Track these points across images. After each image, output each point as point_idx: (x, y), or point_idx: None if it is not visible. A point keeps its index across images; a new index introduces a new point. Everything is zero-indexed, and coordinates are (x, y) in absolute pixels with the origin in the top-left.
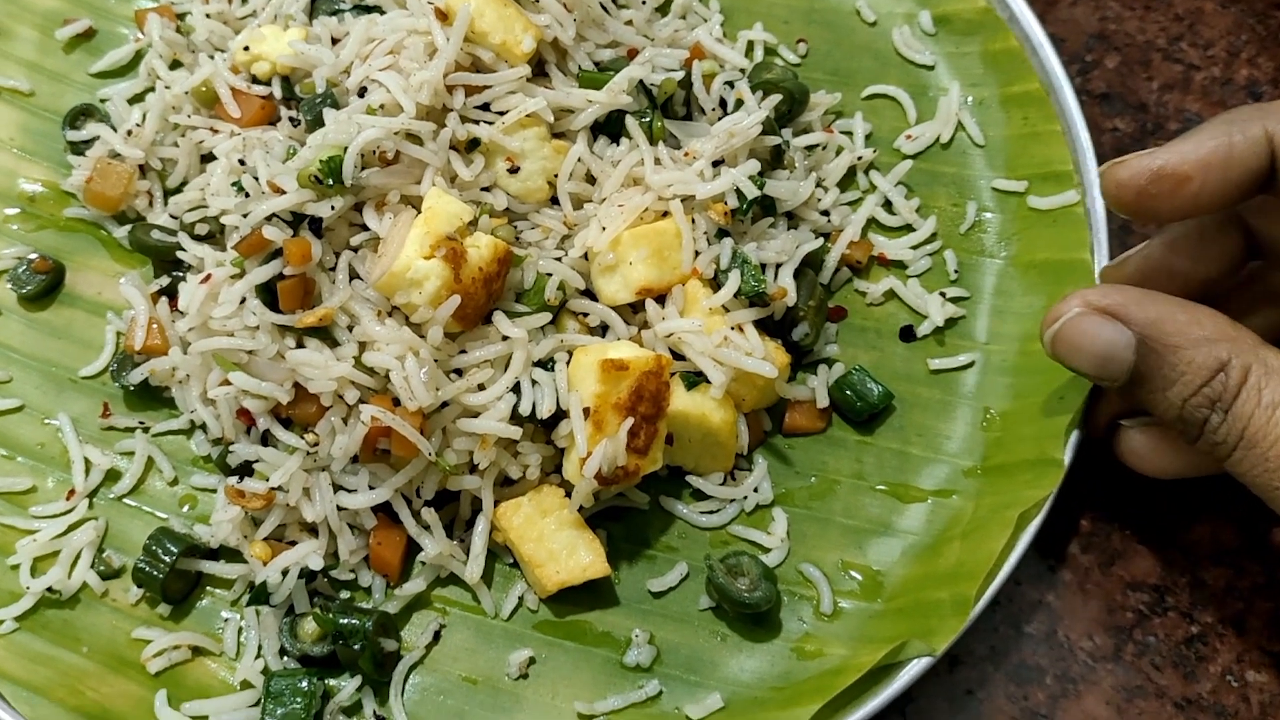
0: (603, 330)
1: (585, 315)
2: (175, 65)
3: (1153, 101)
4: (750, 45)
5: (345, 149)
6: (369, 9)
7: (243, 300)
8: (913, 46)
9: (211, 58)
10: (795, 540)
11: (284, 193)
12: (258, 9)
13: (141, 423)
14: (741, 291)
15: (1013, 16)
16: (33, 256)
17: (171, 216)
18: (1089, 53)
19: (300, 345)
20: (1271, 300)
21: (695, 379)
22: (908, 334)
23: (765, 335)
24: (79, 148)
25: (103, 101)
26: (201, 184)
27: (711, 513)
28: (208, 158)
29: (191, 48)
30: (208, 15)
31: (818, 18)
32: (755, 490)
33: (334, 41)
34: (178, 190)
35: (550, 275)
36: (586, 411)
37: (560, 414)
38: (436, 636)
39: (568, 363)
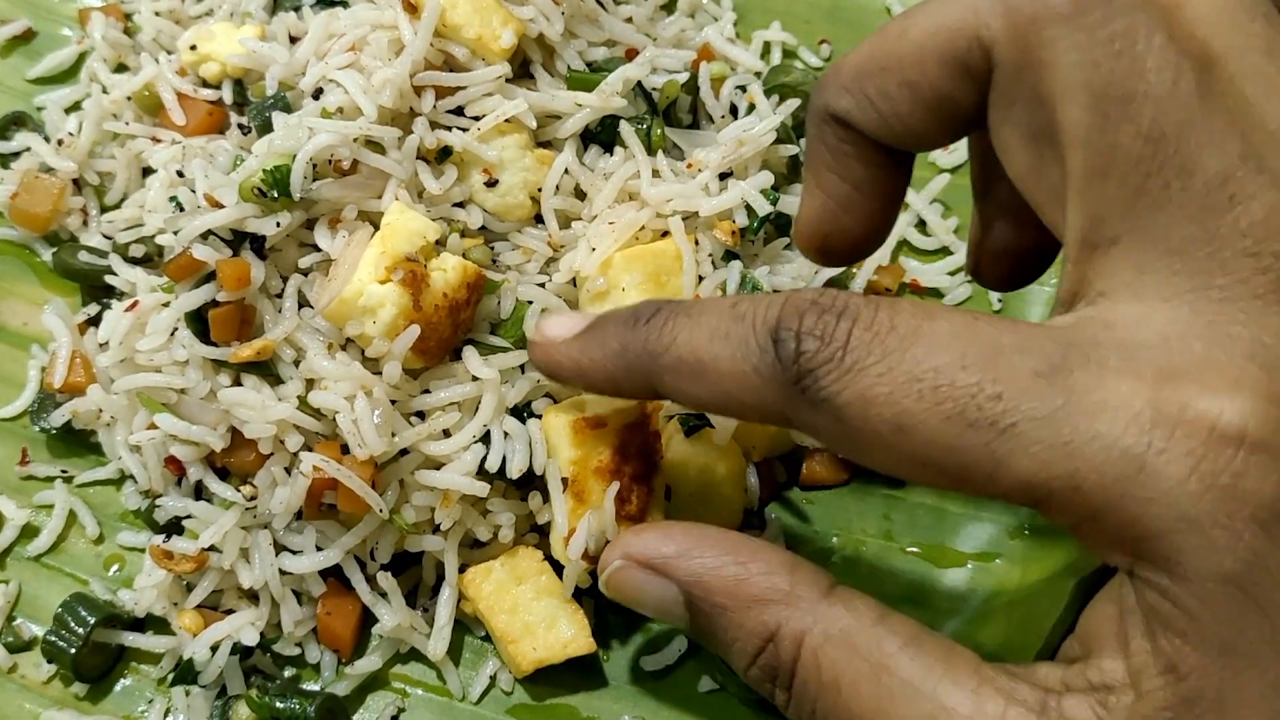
0: None
1: None
2: (121, 69)
3: None
4: (766, 46)
5: (294, 157)
6: (333, 3)
7: (173, 332)
8: None
9: (157, 60)
10: None
11: (222, 207)
12: (214, 7)
13: (64, 471)
14: None
15: None
16: None
17: (105, 236)
18: None
19: (237, 383)
20: (1004, 213)
21: (696, 423)
22: None
23: None
24: (7, 161)
25: (39, 110)
26: (140, 200)
27: None
28: (150, 171)
29: (138, 50)
30: (156, 13)
31: (843, 16)
32: None
33: (293, 40)
34: (116, 208)
35: (530, 303)
36: (565, 482)
37: (533, 475)
38: None
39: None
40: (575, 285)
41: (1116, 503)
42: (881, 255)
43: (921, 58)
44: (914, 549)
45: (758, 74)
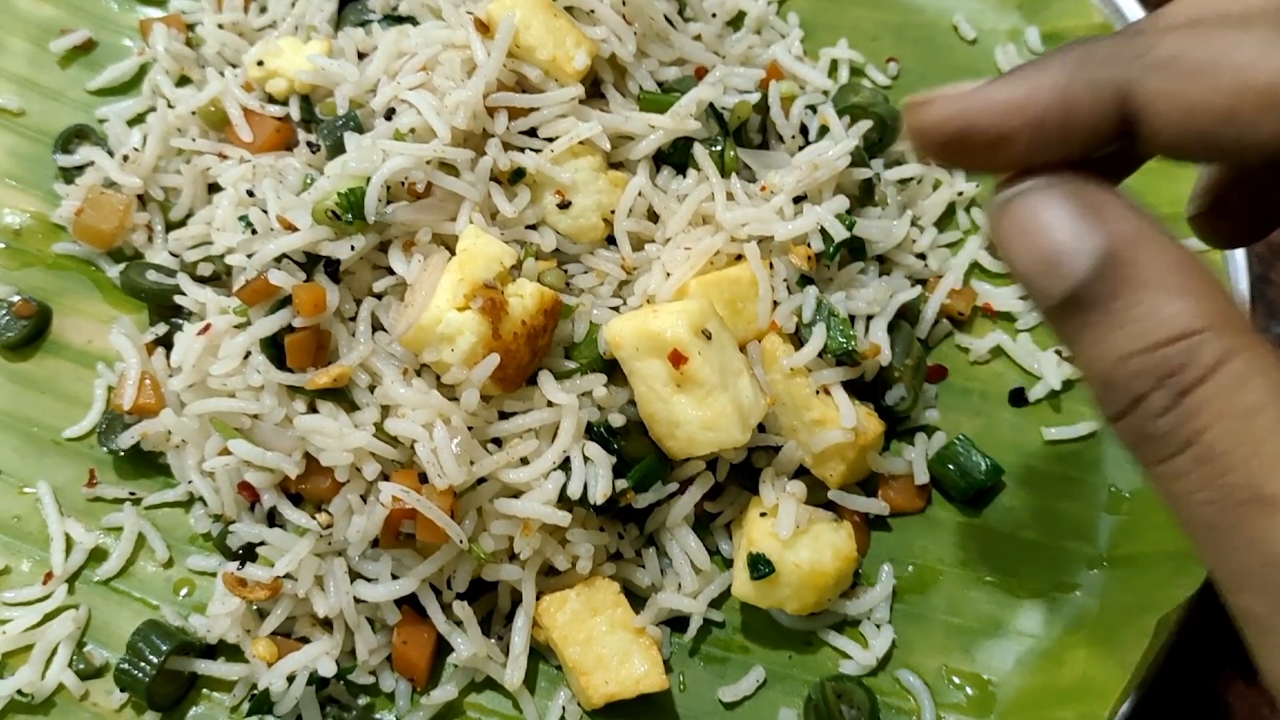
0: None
1: None
2: (184, 82)
3: None
4: (834, 64)
5: (368, 180)
6: (400, 19)
7: (246, 355)
8: None
9: (222, 74)
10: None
11: (296, 229)
12: (277, 19)
13: (132, 493)
14: (828, 349)
15: None
16: (15, 298)
17: (171, 254)
18: None
19: (312, 409)
20: None
21: (763, 570)
22: (1018, 398)
23: (855, 399)
24: (70, 174)
25: (101, 122)
26: (207, 218)
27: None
28: (216, 188)
29: (201, 62)
30: (220, 25)
31: (910, 34)
32: (871, 612)
33: (360, 56)
34: (181, 224)
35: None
36: None
37: (615, 500)
38: None
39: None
40: None
41: None
42: (954, 278)
43: None
44: (991, 578)
45: (826, 93)
